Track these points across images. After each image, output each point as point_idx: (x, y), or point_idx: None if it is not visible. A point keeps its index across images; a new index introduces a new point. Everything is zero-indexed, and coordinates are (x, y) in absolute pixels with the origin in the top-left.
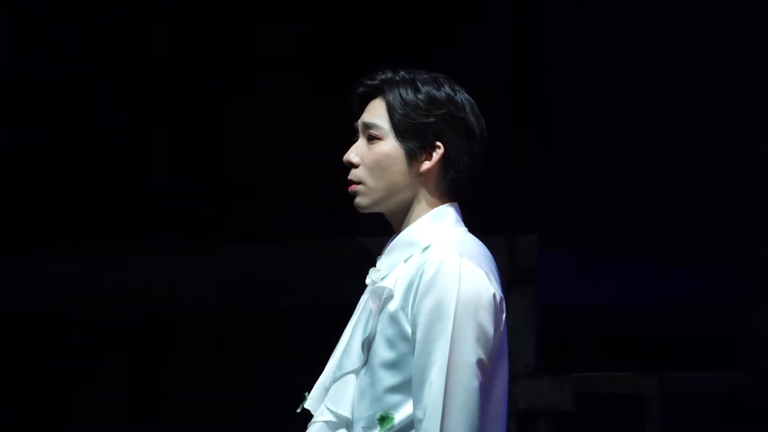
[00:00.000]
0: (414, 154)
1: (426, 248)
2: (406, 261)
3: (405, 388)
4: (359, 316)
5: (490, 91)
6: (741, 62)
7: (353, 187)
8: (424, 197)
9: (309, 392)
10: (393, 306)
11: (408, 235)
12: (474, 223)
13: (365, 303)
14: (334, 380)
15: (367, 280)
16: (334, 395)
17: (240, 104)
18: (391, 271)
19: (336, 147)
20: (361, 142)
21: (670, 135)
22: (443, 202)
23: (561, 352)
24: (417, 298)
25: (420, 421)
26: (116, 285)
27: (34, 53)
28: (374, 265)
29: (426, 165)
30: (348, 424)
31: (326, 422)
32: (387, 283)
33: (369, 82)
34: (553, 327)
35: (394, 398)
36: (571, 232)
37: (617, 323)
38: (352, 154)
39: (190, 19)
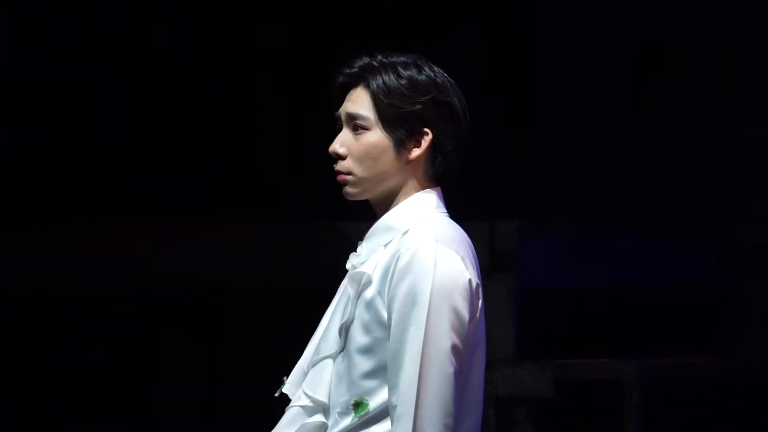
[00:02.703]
0: (402, 142)
1: (405, 233)
2: (385, 246)
3: (380, 374)
4: (338, 301)
5: (473, 74)
6: (716, 51)
7: (342, 177)
8: (411, 183)
9: (287, 376)
10: (370, 291)
11: (388, 219)
12: (454, 208)
13: (345, 288)
14: (312, 364)
15: (348, 265)
16: (311, 380)
17: (239, 103)
18: (370, 255)
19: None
20: (345, 133)
21: (653, 116)
22: (429, 187)
23: (541, 338)
24: (392, 284)
25: (394, 407)
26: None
27: (34, 53)
28: (355, 250)
29: (415, 152)
30: (324, 409)
31: (303, 407)
32: (366, 268)
33: (348, 71)
34: (533, 313)
35: (370, 384)
36: (552, 218)
37: (598, 310)
38: (338, 145)
39: (190, 18)
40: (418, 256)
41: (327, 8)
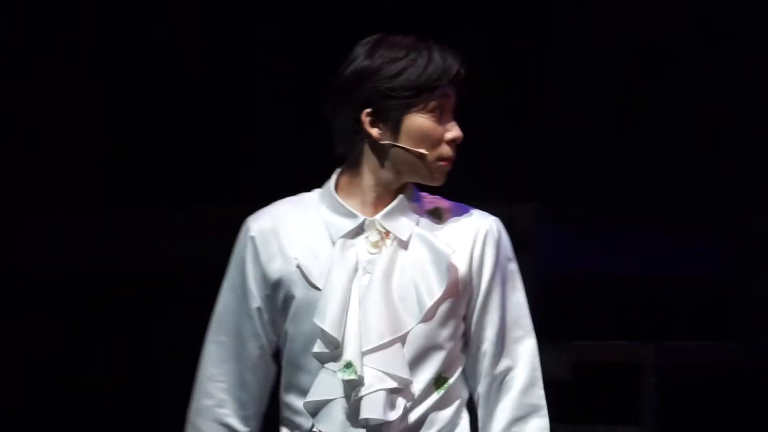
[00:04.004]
0: None
1: (435, 210)
2: (417, 223)
3: (453, 347)
4: (384, 277)
5: (490, 53)
6: (736, 43)
7: (450, 165)
8: None
9: (346, 360)
10: (459, 268)
11: (408, 198)
12: (473, 190)
13: (389, 262)
14: (382, 346)
15: (369, 242)
16: (386, 359)
17: (237, 100)
18: (408, 232)
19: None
20: (452, 120)
21: (668, 106)
22: None
23: (558, 320)
24: (486, 261)
25: (508, 370)
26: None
27: (34, 53)
28: (358, 228)
29: None
30: (405, 386)
31: (385, 390)
32: (447, 245)
33: (462, 68)
34: (551, 295)
35: (448, 359)
36: (570, 201)
37: (615, 292)
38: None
39: (190, 18)
40: (502, 231)
41: (325, 7)
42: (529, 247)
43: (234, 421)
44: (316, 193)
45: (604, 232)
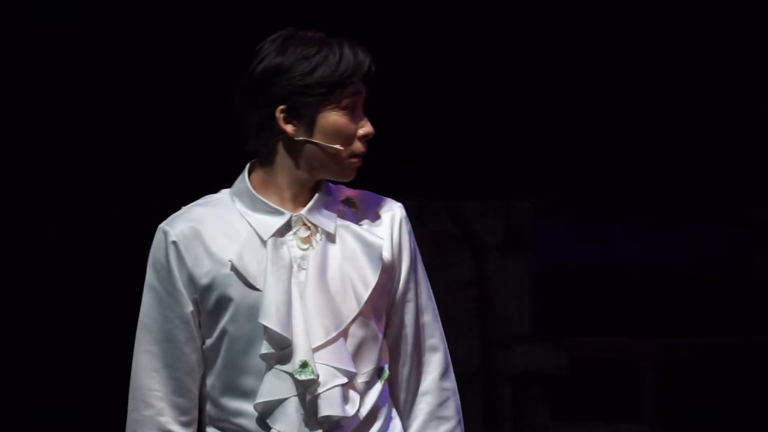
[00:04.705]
0: None
1: (347, 200)
2: (338, 216)
3: (383, 337)
4: (319, 272)
5: (487, 57)
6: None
7: (360, 163)
8: None
9: (301, 360)
10: (386, 258)
11: (325, 191)
12: (472, 186)
13: (321, 256)
14: (329, 341)
15: (312, 241)
16: (334, 355)
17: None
18: (333, 225)
19: None
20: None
21: (670, 98)
22: None
23: (556, 316)
24: (405, 244)
25: (426, 355)
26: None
27: (34, 53)
28: (286, 226)
29: None
30: (352, 380)
31: (339, 386)
32: (376, 236)
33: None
34: (549, 291)
35: (383, 348)
36: (567, 197)
37: (613, 288)
38: (372, 128)
39: (190, 18)
40: (406, 215)
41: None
42: (526, 243)
43: (176, 428)
44: (225, 193)
45: (601, 228)
